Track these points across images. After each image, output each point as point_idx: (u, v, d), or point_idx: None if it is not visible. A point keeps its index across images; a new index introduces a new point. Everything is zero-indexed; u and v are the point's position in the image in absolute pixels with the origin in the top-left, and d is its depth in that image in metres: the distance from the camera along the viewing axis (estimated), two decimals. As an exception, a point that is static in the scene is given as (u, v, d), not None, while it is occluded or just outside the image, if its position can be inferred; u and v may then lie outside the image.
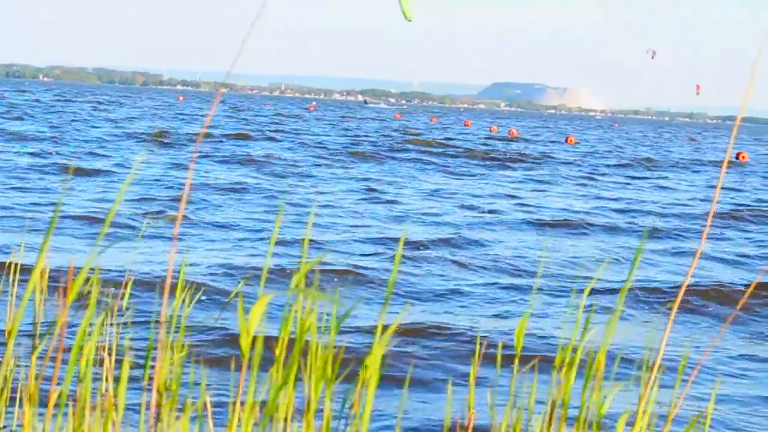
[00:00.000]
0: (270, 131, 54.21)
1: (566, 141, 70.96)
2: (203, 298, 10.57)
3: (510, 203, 24.20)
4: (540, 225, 19.91)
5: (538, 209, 22.97)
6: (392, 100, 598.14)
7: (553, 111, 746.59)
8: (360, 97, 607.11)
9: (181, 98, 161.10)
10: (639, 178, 36.53)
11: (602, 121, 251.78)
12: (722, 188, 32.84)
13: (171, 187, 22.37)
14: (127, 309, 8.77)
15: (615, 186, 32.10)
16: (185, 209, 18.31)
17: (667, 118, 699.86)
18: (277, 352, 3.35)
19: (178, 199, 20.05)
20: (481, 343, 8.92)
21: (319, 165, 32.63)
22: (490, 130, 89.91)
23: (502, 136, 73.95)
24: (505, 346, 9.01)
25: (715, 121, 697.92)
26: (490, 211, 21.83)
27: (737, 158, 56.24)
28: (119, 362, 4.22)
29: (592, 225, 20.23)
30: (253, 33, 2.92)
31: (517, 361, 3.57)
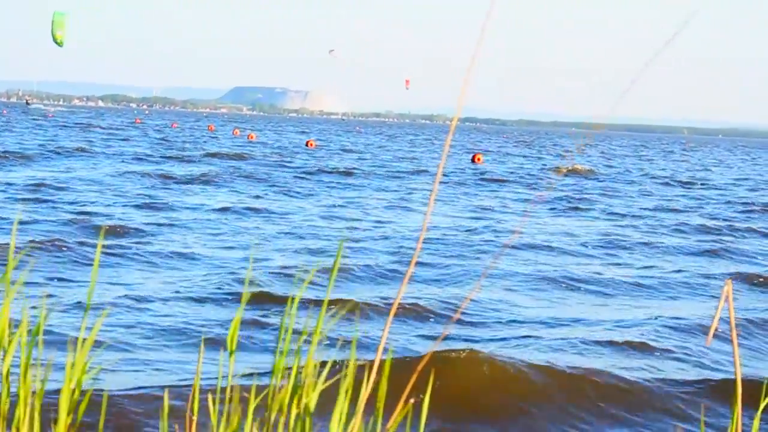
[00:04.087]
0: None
1: (306, 144, 71.54)
2: None
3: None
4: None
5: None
6: (133, 106, 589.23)
7: (295, 114, 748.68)
8: (101, 103, 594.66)
9: None
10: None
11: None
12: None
13: None
14: None
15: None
16: None
17: (408, 120, 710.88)
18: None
19: None
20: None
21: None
22: (233, 133, 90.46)
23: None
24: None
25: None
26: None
27: (473, 161, 57.25)
28: None
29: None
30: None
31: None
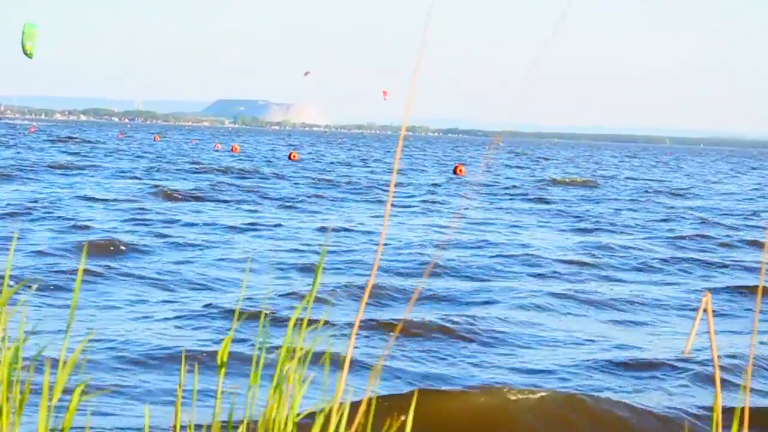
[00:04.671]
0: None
1: (290, 157, 71.43)
2: None
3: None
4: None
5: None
6: (116, 120, 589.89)
7: (277, 127, 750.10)
8: (83, 117, 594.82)
9: None
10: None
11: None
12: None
13: None
14: None
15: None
16: None
17: (389, 132, 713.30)
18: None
19: None
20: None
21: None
22: (215, 147, 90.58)
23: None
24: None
25: (436, 134, 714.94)
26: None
27: (455, 172, 57.00)
28: None
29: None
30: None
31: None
